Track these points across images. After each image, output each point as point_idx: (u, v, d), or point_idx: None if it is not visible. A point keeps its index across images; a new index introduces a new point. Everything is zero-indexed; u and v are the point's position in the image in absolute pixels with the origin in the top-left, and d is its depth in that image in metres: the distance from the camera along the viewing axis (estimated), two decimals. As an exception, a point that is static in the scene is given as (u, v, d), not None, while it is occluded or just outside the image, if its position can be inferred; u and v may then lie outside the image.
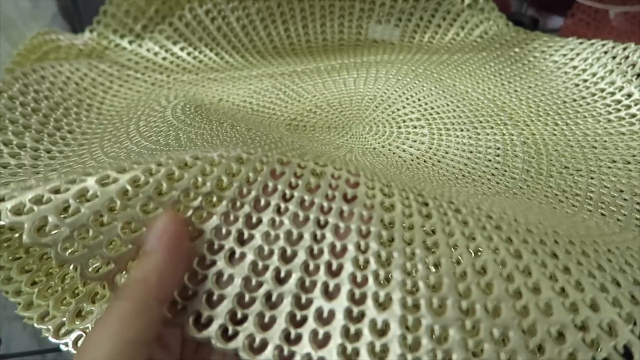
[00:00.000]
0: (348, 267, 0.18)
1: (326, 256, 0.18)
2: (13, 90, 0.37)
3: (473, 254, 0.19)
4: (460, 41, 0.58)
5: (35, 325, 0.25)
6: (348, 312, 0.17)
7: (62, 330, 0.25)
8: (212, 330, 0.17)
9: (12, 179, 0.27)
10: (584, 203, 0.35)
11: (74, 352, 0.24)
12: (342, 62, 0.54)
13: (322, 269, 0.18)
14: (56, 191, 0.18)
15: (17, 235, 0.27)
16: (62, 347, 0.24)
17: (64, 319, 0.25)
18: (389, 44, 0.59)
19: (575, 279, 0.19)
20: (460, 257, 0.19)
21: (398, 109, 0.45)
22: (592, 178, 0.37)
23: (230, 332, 0.17)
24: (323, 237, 0.19)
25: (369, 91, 0.48)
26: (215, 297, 0.18)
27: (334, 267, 0.18)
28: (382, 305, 0.17)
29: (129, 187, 0.19)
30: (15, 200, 0.18)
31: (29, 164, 0.32)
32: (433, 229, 0.20)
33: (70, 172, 0.20)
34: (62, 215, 0.17)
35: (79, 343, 0.24)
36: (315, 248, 0.19)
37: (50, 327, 0.24)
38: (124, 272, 0.18)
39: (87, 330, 0.24)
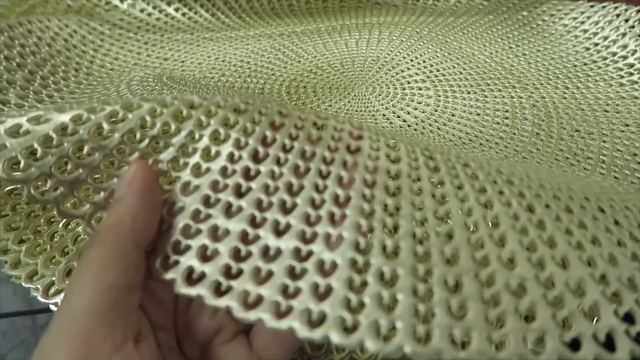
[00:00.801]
0: (352, 216, 0.17)
1: (328, 206, 0.17)
2: (-3, 42, 0.35)
3: (484, 207, 0.17)
4: (466, 4, 0.56)
5: (24, 284, 0.23)
6: (352, 263, 0.16)
7: (52, 290, 0.23)
8: (204, 285, 0.15)
9: None
10: (596, 166, 0.33)
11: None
12: (343, 23, 0.52)
13: (324, 219, 0.17)
14: (22, 131, 0.17)
15: None
16: (52, 307, 0.23)
17: (53, 278, 0.23)
18: (392, 5, 0.57)
19: (592, 234, 0.18)
20: (471, 209, 0.17)
21: (402, 71, 0.43)
22: (604, 141, 0.35)
23: (223, 287, 0.15)
24: (325, 187, 0.18)
25: (372, 53, 0.46)
26: (209, 252, 0.16)
27: (337, 216, 0.17)
28: (390, 254, 0.16)
29: (105, 125, 0.18)
30: None
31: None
32: (441, 181, 0.18)
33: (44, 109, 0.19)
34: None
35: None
36: (317, 198, 0.17)
37: (39, 286, 0.23)
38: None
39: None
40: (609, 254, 0.17)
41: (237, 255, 0.16)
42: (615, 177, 0.32)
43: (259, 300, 0.15)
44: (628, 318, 0.14)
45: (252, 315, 0.15)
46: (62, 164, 0.17)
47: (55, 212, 0.19)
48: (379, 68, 0.44)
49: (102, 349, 0.14)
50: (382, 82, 0.42)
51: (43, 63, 0.38)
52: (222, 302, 0.15)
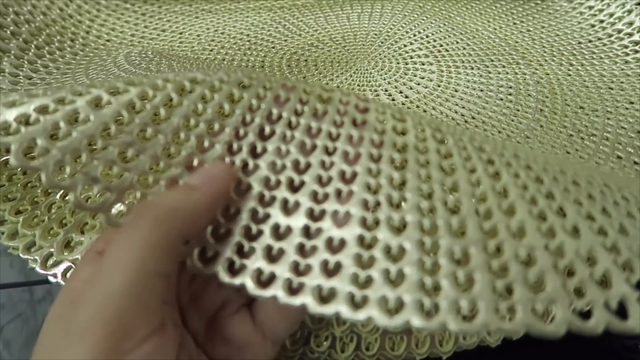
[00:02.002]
0: (359, 193, 0.17)
1: (335, 183, 0.17)
2: (-10, 10, 0.34)
3: (492, 177, 0.17)
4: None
5: (21, 255, 0.23)
6: (360, 239, 0.16)
7: (50, 262, 0.23)
8: (219, 264, 0.16)
9: None
10: (599, 144, 0.33)
11: (63, 284, 0.23)
12: (345, -4, 0.51)
13: (332, 196, 0.17)
14: (44, 110, 0.16)
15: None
16: (51, 279, 0.23)
17: (51, 250, 0.23)
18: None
19: (601, 205, 0.17)
20: (479, 179, 0.17)
21: (405, 45, 0.42)
22: (608, 119, 0.35)
23: (236, 265, 0.16)
24: (332, 164, 0.18)
25: (374, 26, 0.45)
26: (221, 230, 0.16)
27: (344, 193, 0.17)
28: (397, 229, 0.16)
29: (124, 112, 0.17)
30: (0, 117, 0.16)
31: (8, 88, 0.30)
32: (449, 152, 0.18)
33: (57, 90, 0.18)
34: (52, 138, 0.15)
35: (68, 275, 0.23)
36: (324, 176, 0.17)
37: (37, 257, 0.23)
38: (121, 204, 0.16)
39: (77, 262, 0.23)
40: (620, 224, 0.17)
41: (248, 234, 0.16)
42: (618, 157, 0.32)
43: (272, 277, 0.15)
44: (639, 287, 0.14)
45: (267, 293, 0.15)
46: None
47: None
48: (382, 42, 0.43)
49: (138, 333, 0.13)
50: (385, 56, 0.41)
51: (38, 32, 0.37)
52: (237, 280, 0.15)
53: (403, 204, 0.16)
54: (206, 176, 0.16)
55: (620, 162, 0.32)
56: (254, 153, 0.18)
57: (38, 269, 0.23)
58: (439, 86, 0.38)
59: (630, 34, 0.44)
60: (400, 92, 0.37)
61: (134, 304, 0.13)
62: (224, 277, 0.16)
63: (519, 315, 0.13)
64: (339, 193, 0.17)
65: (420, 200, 0.16)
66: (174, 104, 0.18)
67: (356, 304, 0.14)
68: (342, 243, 0.16)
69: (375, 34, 0.44)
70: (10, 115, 0.16)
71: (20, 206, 0.24)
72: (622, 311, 0.13)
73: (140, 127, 0.17)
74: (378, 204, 0.16)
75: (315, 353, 0.22)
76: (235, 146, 0.18)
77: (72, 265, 0.23)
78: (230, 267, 0.16)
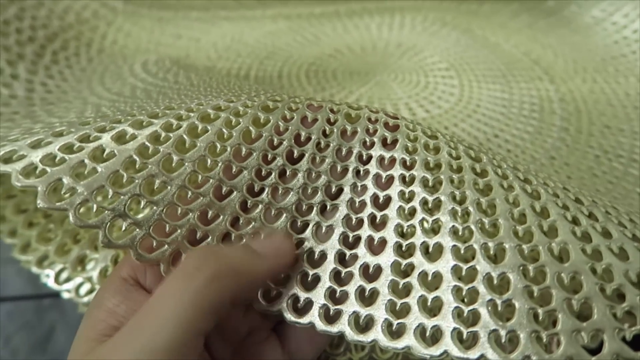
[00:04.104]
0: (393, 218, 0.17)
1: (369, 208, 0.17)
2: (8, 13, 0.34)
3: (530, 197, 0.17)
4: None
5: (34, 270, 0.22)
6: (396, 266, 0.16)
7: (63, 277, 0.22)
8: (283, 302, 0.16)
9: (8, 123, 0.24)
10: (627, 165, 0.32)
11: (77, 299, 0.22)
12: (363, 6, 0.50)
13: (366, 222, 0.17)
14: (69, 149, 0.16)
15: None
16: (65, 295, 0.22)
17: (64, 265, 0.22)
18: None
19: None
20: (517, 198, 0.17)
21: (425, 57, 0.41)
22: (635, 139, 0.34)
23: (272, 294, 0.16)
24: (364, 188, 0.18)
25: (394, 38, 0.44)
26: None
27: (378, 219, 0.17)
28: (431, 255, 0.16)
29: (148, 144, 0.16)
30: (25, 160, 0.16)
31: (23, 95, 0.29)
32: (484, 170, 0.18)
33: (79, 125, 0.18)
34: (76, 176, 0.15)
35: (81, 290, 0.22)
36: (357, 200, 0.17)
37: (49, 273, 0.22)
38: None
39: (90, 278, 0.22)
40: None
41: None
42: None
43: (309, 305, 0.16)
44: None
45: (304, 320, 0.15)
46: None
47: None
48: (402, 54, 0.42)
49: None
50: (405, 68, 0.40)
51: (54, 37, 0.37)
52: (305, 320, 0.15)
53: (438, 228, 0.16)
54: (275, 248, 0.16)
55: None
56: (284, 178, 0.18)
57: (51, 285, 0.22)
58: (461, 101, 0.37)
59: (656, 52, 0.43)
60: (422, 106, 0.36)
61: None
62: (262, 306, 0.16)
63: (563, 345, 0.13)
64: (373, 219, 0.17)
65: (454, 222, 0.16)
66: (199, 131, 0.18)
67: (393, 333, 0.14)
68: (378, 270, 0.16)
69: (396, 45, 0.43)
70: (36, 156, 0.16)
71: (33, 218, 0.24)
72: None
73: (165, 156, 0.16)
74: (413, 230, 0.16)
75: (333, 378, 0.22)
76: (263, 171, 0.17)
77: (86, 281, 0.22)
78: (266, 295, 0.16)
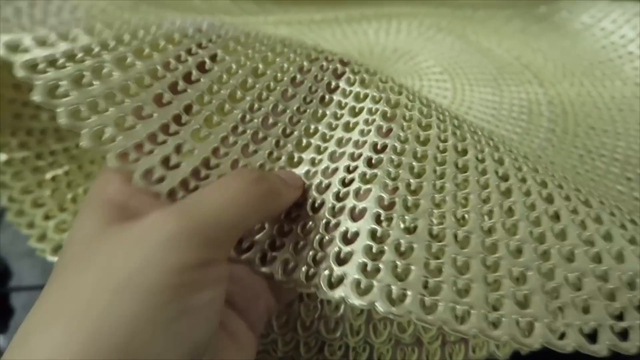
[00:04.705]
0: (375, 191, 0.18)
1: (356, 184, 0.18)
2: None
3: (546, 201, 0.18)
4: (485, -2, 0.56)
5: (49, 257, 0.24)
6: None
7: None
8: (253, 253, 0.17)
9: None
10: (609, 164, 0.34)
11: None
12: (361, 12, 0.52)
13: (351, 194, 0.18)
14: (71, 57, 0.17)
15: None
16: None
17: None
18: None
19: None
20: (534, 203, 0.18)
21: (420, 62, 0.43)
22: (618, 140, 0.36)
23: (268, 257, 0.17)
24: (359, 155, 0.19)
25: (391, 43, 0.46)
26: (257, 227, 0.18)
27: (362, 190, 0.18)
28: (461, 265, 0.16)
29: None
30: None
31: None
32: (505, 174, 0.19)
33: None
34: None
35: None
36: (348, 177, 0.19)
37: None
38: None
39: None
40: None
41: (280, 231, 0.18)
42: (627, 178, 0.33)
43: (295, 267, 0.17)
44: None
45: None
46: None
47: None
48: (398, 58, 0.44)
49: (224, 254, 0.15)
50: (401, 72, 0.42)
51: None
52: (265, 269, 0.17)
53: (417, 207, 0.17)
54: (296, 179, 0.19)
55: (629, 183, 0.33)
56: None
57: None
58: (453, 103, 0.39)
59: (642, 56, 0.45)
60: (415, 108, 0.38)
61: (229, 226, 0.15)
62: (258, 267, 0.17)
63: (570, 335, 0.14)
64: (357, 191, 0.18)
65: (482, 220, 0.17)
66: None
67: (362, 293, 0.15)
68: (355, 235, 0.17)
69: (392, 50, 0.45)
70: (40, 53, 0.17)
71: (49, 212, 0.25)
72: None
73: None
74: (393, 203, 0.17)
75: (328, 362, 0.23)
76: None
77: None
78: (262, 258, 0.17)
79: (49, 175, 0.26)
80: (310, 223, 0.18)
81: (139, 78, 0.18)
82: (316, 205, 0.18)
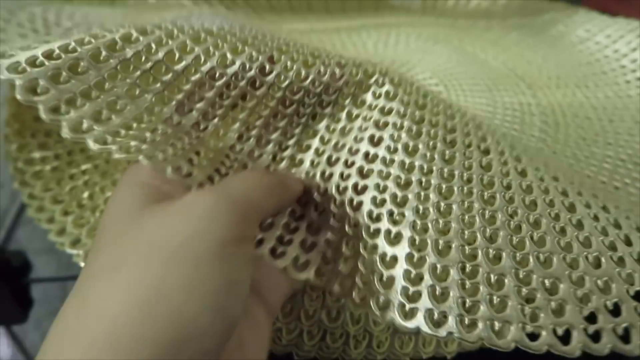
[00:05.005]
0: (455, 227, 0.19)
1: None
2: None
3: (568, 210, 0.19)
4: (485, 10, 0.58)
5: (67, 250, 0.26)
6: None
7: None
8: (264, 249, 0.19)
9: None
10: (598, 173, 0.35)
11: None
12: (361, 23, 0.54)
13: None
14: (49, 56, 0.18)
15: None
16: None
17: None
18: (409, 9, 0.59)
19: (625, 233, 0.19)
20: (558, 213, 0.19)
21: (417, 73, 0.45)
22: (608, 149, 0.37)
23: (278, 252, 0.19)
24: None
25: (389, 54, 0.48)
26: (265, 224, 0.19)
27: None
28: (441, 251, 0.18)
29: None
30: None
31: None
32: (529, 186, 0.20)
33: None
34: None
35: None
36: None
37: (81, 252, 0.26)
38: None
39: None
40: (638, 254, 0.19)
41: (287, 228, 0.19)
42: (615, 187, 0.34)
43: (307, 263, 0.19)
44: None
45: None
46: None
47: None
48: (395, 70, 0.46)
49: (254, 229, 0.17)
50: (399, 83, 0.44)
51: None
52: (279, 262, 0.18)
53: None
54: (298, 181, 0.20)
55: (617, 192, 0.34)
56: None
57: (81, 263, 0.26)
58: (449, 113, 0.40)
59: (634, 70, 0.46)
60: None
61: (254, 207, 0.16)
62: (268, 260, 0.18)
63: (543, 336, 0.16)
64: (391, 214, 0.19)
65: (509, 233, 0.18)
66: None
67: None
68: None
69: (389, 62, 0.47)
70: (23, 57, 0.18)
71: (68, 208, 0.27)
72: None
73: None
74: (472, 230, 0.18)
75: (330, 349, 0.24)
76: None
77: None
78: (272, 252, 0.19)
79: (67, 174, 0.28)
80: (350, 239, 0.19)
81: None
82: (358, 224, 0.19)
